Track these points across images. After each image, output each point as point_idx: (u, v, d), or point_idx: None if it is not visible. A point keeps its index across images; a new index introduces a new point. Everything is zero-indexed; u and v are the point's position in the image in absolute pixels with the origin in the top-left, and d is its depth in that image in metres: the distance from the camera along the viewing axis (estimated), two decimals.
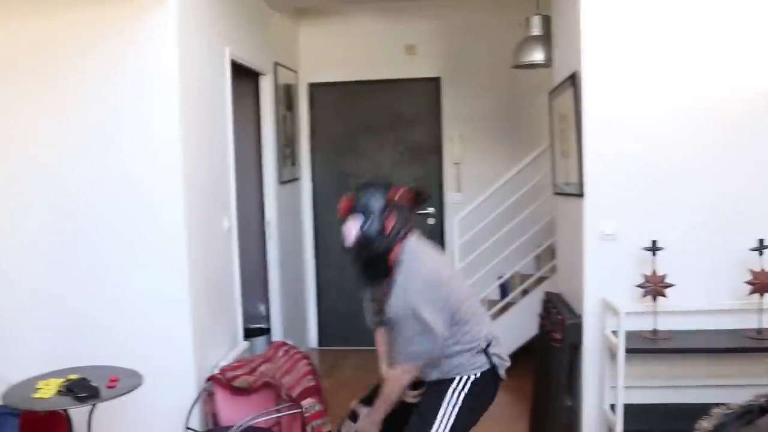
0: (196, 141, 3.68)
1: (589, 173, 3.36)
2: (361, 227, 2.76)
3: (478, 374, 2.79)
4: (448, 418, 2.76)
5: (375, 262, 2.81)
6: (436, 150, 6.31)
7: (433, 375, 2.83)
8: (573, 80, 3.47)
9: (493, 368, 2.82)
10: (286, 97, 5.73)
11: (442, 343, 2.74)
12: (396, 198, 2.80)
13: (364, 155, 6.38)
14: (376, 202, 2.77)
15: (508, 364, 2.90)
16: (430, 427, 2.74)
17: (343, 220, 2.84)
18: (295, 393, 3.28)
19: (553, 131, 4.13)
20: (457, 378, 2.79)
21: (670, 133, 3.33)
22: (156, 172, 3.50)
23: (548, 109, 4.23)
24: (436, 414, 2.76)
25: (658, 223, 3.33)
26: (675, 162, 3.33)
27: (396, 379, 2.78)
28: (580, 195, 3.42)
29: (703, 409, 2.61)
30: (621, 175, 3.35)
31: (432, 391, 2.82)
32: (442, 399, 2.78)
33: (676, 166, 3.33)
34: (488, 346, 2.83)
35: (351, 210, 2.81)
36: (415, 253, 2.77)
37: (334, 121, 6.39)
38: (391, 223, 2.75)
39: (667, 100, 3.32)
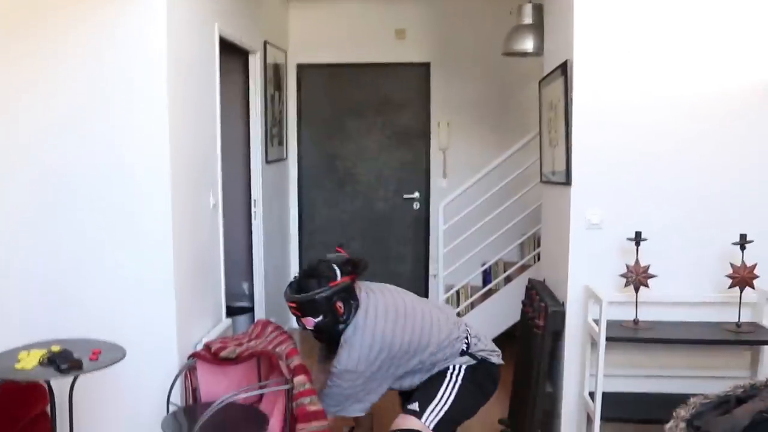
0: (183, 117, 3.65)
1: (577, 162, 3.38)
2: (316, 323, 2.97)
3: (466, 366, 3.06)
4: (450, 392, 3.01)
5: (335, 336, 3.03)
6: (424, 135, 6.31)
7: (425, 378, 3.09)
8: (563, 69, 3.48)
9: (482, 360, 3.08)
10: (275, 77, 5.70)
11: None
12: (337, 285, 2.95)
13: (351, 138, 6.38)
14: (321, 302, 2.93)
15: (498, 352, 3.17)
16: (433, 397, 2.99)
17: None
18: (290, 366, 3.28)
19: (542, 120, 4.14)
20: (451, 366, 3.05)
21: (658, 124, 3.35)
22: (142, 147, 3.47)
23: (538, 97, 4.24)
24: (438, 388, 3.01)
25: (643, 213, 3.36)
26: (662, 153, 3.36)
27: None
28: (567, 183, 3.44)
29: (681, 399, 2.67)
30: (608, 165, 3.37)
31: (433, 376, 3.06)
32: (441, 380, 3.04)
33: (663, 158, 3.36)
34: (468, 348, 3.08)
35: (301, 314, 3.00)
36: (358, 328, 2.95)
37: (322, 102, 6.37)
38: (341, 309, 2.94)
39: (656, 91, 3.34)
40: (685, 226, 3.37)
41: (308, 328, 3.00)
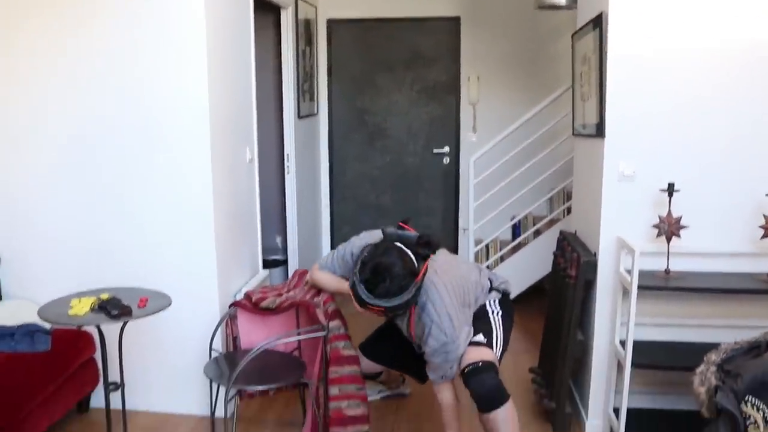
0: (220, 73, 3.71)
1: (610, 114, 3.39)
2: (391, 306, 2.88)
3: (497, 299, 3.29)
4: (498, 321, 3.23)
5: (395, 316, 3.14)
6: (454, 90, 6.32)
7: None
8: (598, 22, 3.48)
9: (504, 292, 3.37)
10: (306, 32, 5.73)
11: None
12: (421, 276, 2.90)
13: (381, 93, 6.40)
14: (408, 297, 2.86)
15: (509, 282, 3.44)
16: (491, 327, 3.18)
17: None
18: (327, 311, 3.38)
19: (575, 73, 4.14)
20: (487, 303, 3.26)
21: (692, 75, 3.34)
22: (182, 103, 3.54)
23: (570, 51, 4.23)
24: (489, 320, 3.21)
25: (675, 164, 3.37)
26: (695, 105, 3.35)
27: (447, 401, 3.15)
28: (600, 136, 3.46)
29: (711, 347, 2.72)
30: (641, 117, 3.38)
31: (477, 314, 3.23)
32: (486, 312, 3.24)
33: (696, 109, 3.36)
34: (491, 283, 3.30)
35: (388, 315, 3.05)
36: (435, 295, 2.99)
37: (352, 57, 6.39)
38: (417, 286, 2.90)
39: (690, 42, 3.32)
40: (718, 178, 3.38)
41: (384, 309, 2.92)
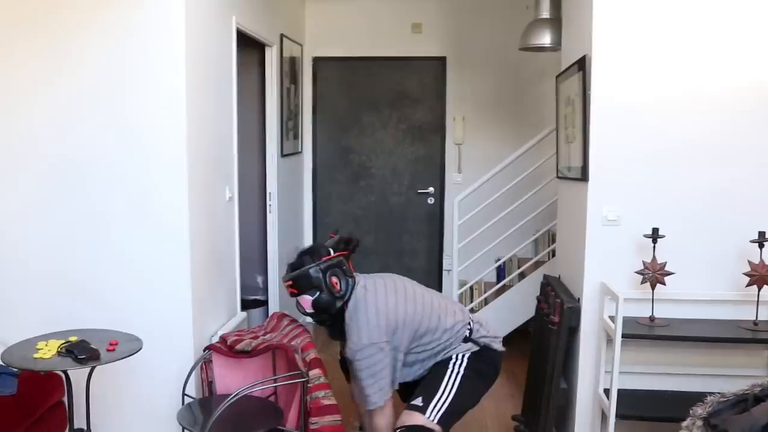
0: (200, 109, 3.67)
1: (594, 158, 3.37)
2: (313, 301, 3.02)
3: (468, 354, 3.09)
4: (453, 383, 3.03)
5: (337, 317, 3.07)
6: (439, 130, 6.31)
7: (429, 366, 3.13)
8: (581, 64, 3.46)
9: (484, 347, 3.11)
10: (291, 70, 5.71)
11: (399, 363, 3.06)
12: (330, 259, 3.05)
13: (366, 132, 6.38)
14: (315, 275, 3.01)
15: (500, 338, 3.21)
16: (437, 390, 3.01)
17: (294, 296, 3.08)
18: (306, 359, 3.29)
19: (559, 115, 4.13)
20: (454, 356, 3.08)
21: (676, 120, 3.33)
22: (160, 139, 3.48)
23: (555, 92, 4.22)
24: (441, 380, 3.03)
25: (660, 210, 3.34)
26: (679, 150, 3.34)
27: (384, 424, 3.04)
28: (584, 179, 3.42)
29: (697, 398, 2.65)
30: (625, 161, 3.36)
31: (436, 367, 3.09)
32: (445, 370, 3.07)
33: (680, 154, 3.34)
34: (471, 333, 3.12)
35: (297, 292, 3.06)
36: (358, 306, 3.01)
37: (337, 96, 6.38)
38: (336, 285, 3.01)
39: (674, 87, 3.32)
40: (703, 223, 3.35)
41: (307, 310, 3.05)
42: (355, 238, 3.19)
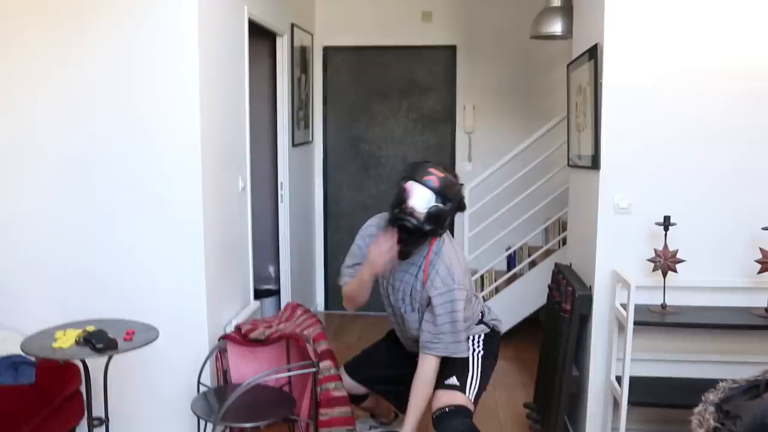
0: (213, 99, 3.68)
1: (606, 146, 3.37)
2: (434, 207, 2.90)
3: (483, 335, 3.21)
4: (477, 361, 3.12)
5: (418, 237, 2.96)
6: (449, 119, 6.31)
7: None
8: (593, 53, 3.46)
9: (493, 329, 3.28)
10: (302, 60, 5.71)
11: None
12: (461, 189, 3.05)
13: (376, 121, 6.38)
14: (458, 197, 3.01)
15: (502, 322, 3.38)
16: (467, 368, 3.07)
17: (424, 185, 2.90)
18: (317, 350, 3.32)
19: (570, 103, 4.13)
20: (470, 336, 3.17)
21: (688, 108, 3.32)
22: (173, 130, 3.51)
23: (566, 81, 4.22)
24: (467, 361, 3.09)
25: (671, 198, 3.34)
26: (691, 137, 3.33)
27: (431, 373, 3.01)
28: (596, 168, 3.43)
29: (708, 384, 2.66)
30: (637, 149, 3.35)
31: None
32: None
33: (693, 142, 3.33)
34: (483, 317, 3.23)
35: (441, 187, 2.91)
36: (450, 247, 3.04)
37: (347, 85, 6.38)
38: (449, 218, 3.01)
39: (685, 75, 3.31)
40: (714, 211, 3.35)
41: (419, 209, 2.89)
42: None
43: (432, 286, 2.96)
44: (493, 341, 3.26)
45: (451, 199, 2.94)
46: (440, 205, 2.90)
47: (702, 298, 3.38)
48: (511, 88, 6.17)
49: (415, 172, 2.93)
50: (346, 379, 3.43)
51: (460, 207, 3.07)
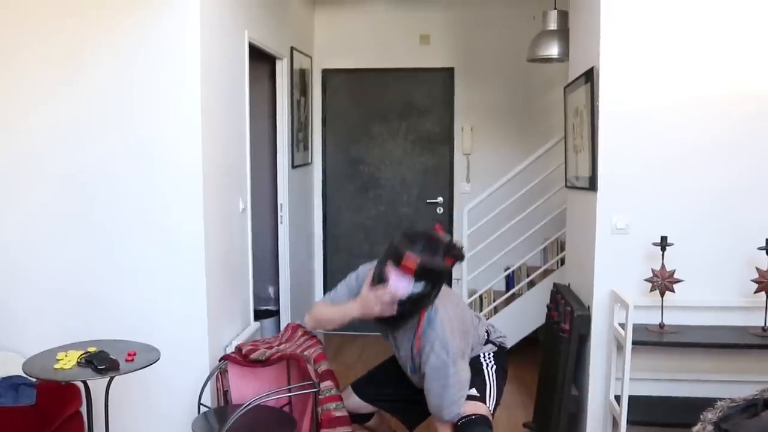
0: (215, 122, 3.72)
1: (603, 167, 3.41)
2: (416, 292, 2.80)
3: (492, 353, 3.22)
4: (492, 375, 3.15)
5: (408, 318, 2.94)
6: (447, 140, 6.35)
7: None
8: (589, 76, 3.51)
9: (500, 346, 3.29)
10: (301, 82, 5.77)
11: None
12: (452, 264, 2.86)
13: (375, 143, 6.43)
14: (438, 277, 2.83)
15: (507, 337, 3.37)
16: (484, 381, 3.11)
17: (397, 269, 2.79)
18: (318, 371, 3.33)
19: (567, 125, 4.17)
20: (481, 354, 3.21)
21: (684, 129, 3.37)
22: (175, 150, 3.53)
23: (563, 103, 4.27)
24: (483, 373, 3.14)
25: (668, 218, 3.38)
26: (687, 158, 3.38)
27: None
28: (593, 189, 3.47)
29: (707, 403, 2.67)
30: (633, 171, 3.40)
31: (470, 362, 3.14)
32: (480, 365, 3.17)
33: (689, 163, 3.38)
34: (488, 336, 3.25)
35: (415, 274, 2.79)
36: (443, 312, 2.94)
37: (346, 107, 6.44)
38: (436, 291, 2.87)
39: (681, 96, 3.36)
40: (711, 231, 3.38)
41: (399, 294, 2.79)
42: (461, 248, 2.92)
43: (427, 362, 2.95)
44: (502, 357, 3.29)
45: (434, 279, 2.83)
46: (420, 290, 2.80)
47: (699, 317, 3.41)
48: (508, 110, 6.22)
49: (397, 254, 2.81)
50: (354, 398, 3.44)
51: (451, 273, 3.01)
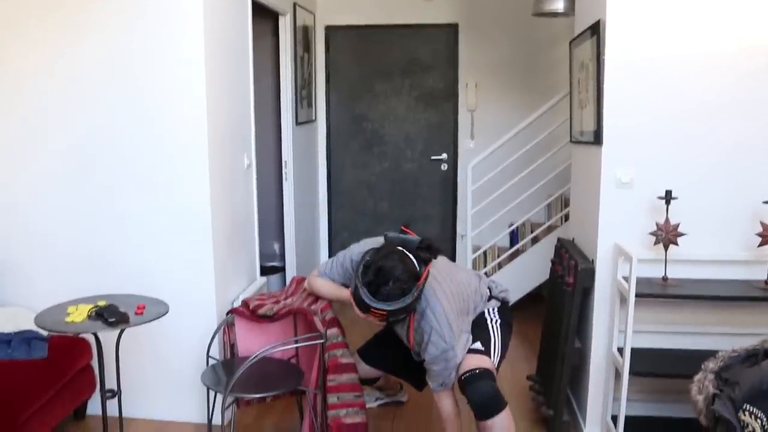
0: (218, 79, 3.72)
1: (608, 122, 3.40)
2: (390, 315, 2.90)
3: (496, 308, 3.29)
4: (497, 330, 3.21)
5: (398, 320, 3.09)
6: (451, 96, 6.32)
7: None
8: (595, 29, 3.48)
9: (503, 301, 3.37)
10: (304, 39, 5.73)
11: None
12: (423, 280, 2.88)
13: (378, 99, 6.41)
14: (410, 300, 2.84)
15: (509, 291, 3.45)
16: (489, 336, 3.17)
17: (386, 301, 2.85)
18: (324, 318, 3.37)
19: (572, 80, 4.15)
20: (485, 310, 3.25)
21: (690, 82, 3.34)
22: (180, 108, 3.55)
23: (568, 58, 4.24)
24: (487, 328, 3.20)
25: (673, 172, 3.37)
26: (693, 112, 3.36)
27: (449, 407, 3.14)
28: (598, 143, 3.46)
29: (708, 355, 2.72)
30: (639, 124, 3.38)
31: (475, 321, 3.23)
32: (485, 320, 3.23)
33: (694, 116, 3.36)
34: (491, 291, 3.30)
35: (387, 319, 2.93)
36: (435, 302, 2.98)
37: (350, 64, 6.40)
38: (419, 290, 2.88)
39: (689, 48, 3.32)
40: (716, 185, 3.38)
41: (378, 321, 2.99)
42: (436, 245, 2.95)
43: (426, 350, 3.02)
44: (506, 311, 3.35)
45: (407, 292, 2.83)
46: (406, 302, 2.84)
47: (703, 271, 3.42)
48: (513, 66, 6.18)
49: (365, 306, 2.87)
50: (361, 365, 3.53)
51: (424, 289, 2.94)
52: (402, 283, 2.81)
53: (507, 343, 3.28)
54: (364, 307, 2.88)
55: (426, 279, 2.90)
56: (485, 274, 5.51)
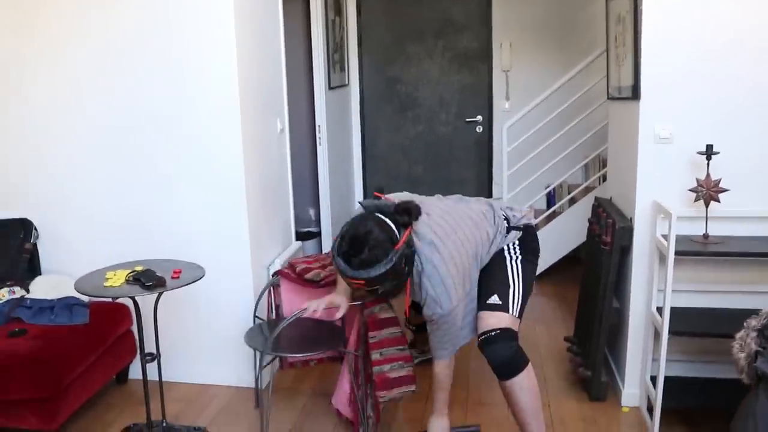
0: (249, 44, 3.70)
1: (646, 75, 3.31)
2: (381, 291, 2.84)
3: (517, 240, 3.09)
4: (517, 270, 3.02)
5: (392, 292, 2.92)
6: (485, 57, 6.23)
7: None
8: None
9: (525, 227, 3.12)
10: (335, 2, 5.68)
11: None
12: (402, 245, 2.70)
13: (411, 62, 6.34)
14: (391, 272, 2.69)
15: (531, 211, 3.15)
16: (507, 281, 2.99)
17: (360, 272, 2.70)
18: None
19: (609, 35, 4.05)
20: (505, 246, 3.08)
21: (732, 33, 3.23)
22: (211, 72, 3.54)
23: (605, 13, 4.14)
24: (506, 270, 3.01)
25: (714, 126, 3.28)
26: (734, 64, 3.25)
27: (444, 372, 3.07)
28: (636, 98, 3.38)
29: (750, 314, 2.66)
30: (678, 78, 3.29)
31: (491, 262, 3.04)
32: (504, 260, 3.04)
33: (735, 69, 3.25)
34: (509, 222, 3.08)
35: (368, 288, 2.78)
36: (431, 268, 2.79)
37: (382, 27, 6.33)
38: (405, 268, 2.75)
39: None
40: (758, 139, 3.28)
41: (366, 289, 2.83)
42: (414, 206, 2.78)
43: (426, 314, 2.89)
44: (529, 238, 3.11)
45: (388, 278, 2.70)
46: (386, 267, 2.66)
47: (745, 228, 3.34)
48: (547, 24, 6.06)
49: (346, 256, 2.69)
50: (417, 318, 3.46)
51: (404, 254, 2.72)
52: (376, 250, 2.66)
53: (531, 281, 3.06)
54: (345, 278, 2.76)
55: (407, 243, 2.73)
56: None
